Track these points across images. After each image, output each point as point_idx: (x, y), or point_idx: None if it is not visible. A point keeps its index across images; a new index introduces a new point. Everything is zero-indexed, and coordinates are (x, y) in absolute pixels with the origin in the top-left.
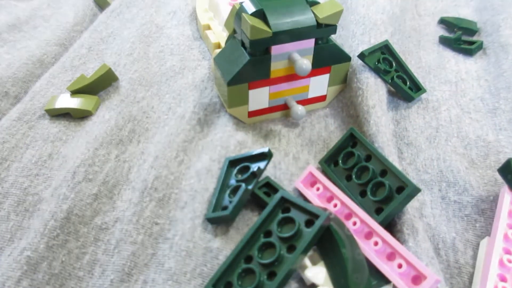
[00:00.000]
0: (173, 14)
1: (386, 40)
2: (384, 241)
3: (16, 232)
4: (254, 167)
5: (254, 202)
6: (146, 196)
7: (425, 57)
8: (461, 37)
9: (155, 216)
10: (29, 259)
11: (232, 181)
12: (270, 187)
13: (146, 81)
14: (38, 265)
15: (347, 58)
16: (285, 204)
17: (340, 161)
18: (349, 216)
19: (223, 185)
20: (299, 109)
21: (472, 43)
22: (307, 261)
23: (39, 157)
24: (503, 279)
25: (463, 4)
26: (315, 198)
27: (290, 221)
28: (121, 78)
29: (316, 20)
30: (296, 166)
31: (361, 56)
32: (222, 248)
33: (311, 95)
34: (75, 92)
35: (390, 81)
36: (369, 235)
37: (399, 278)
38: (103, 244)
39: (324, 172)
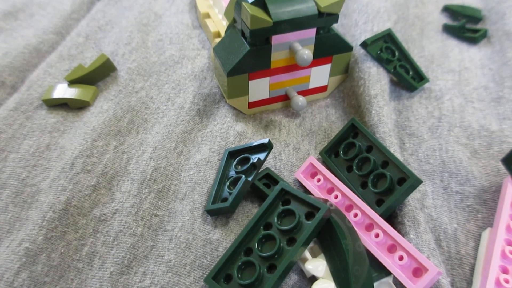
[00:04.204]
0: (172, 2)
1: (389, 29)
2: (385, 233)
3: (15, 223)
4: (254, 158)
5: (254, 193)
6: (145, 187)
7: (428, 46)
8: (465, 25)
9: (154, 207)
10: (27, 251)
11: (232, 173)
12: (270, 179)
13: (145, 71)
14: (37, 257)
15: (349, 48)
16: (285, 196)
17: (341, 152)
18: (349, 207)
19: (222, 176)
20: (300, 100)
21: (476, 31)
22: (307, 253)
23: (36, 148)
24: (504, 270)
25: None
26: (315, 189)
27: (290, 213)
28: (119, 68)
29: (318, 9)
30: (296, 157)
31: (364, 45)
32: (222, 240)
33: (312, 85)
34: (72, 82)
35: (392, 70)
36: (370, 227)
37: (400, 270)
38: (102, 236)
39: (324, 163)
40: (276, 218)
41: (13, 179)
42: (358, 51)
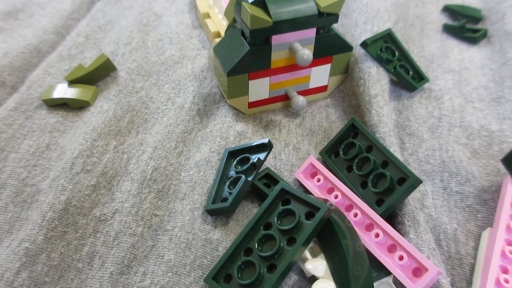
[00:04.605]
0: (172, 2)
1: (389, 29)
2: (385, 233)
3: (15, 223)
4: (254, 158)
5: (254, 193)
6: (145, 187)
7: (428, 46)
8: (465, 25)
9: (154, 207)
10: (27, 251)
11: (232, 173)
12: (270, 178)
13: (145, 70)
14: (37, 257)
15: (349, 48)
16: (285, 196)
17: (341, 152)
18: (349, 207)
19: (222, 176)
20: (300, 100)
21: (476, 31)
22: (307, 253)
23: (36, 148)
24: (504, 270)
25: None
26: (315, 189)
27: (290, 213)
28: (119, 68)
29: (318, 9)
30: (296, 157)
31: (364, 45)
32: (222, 239)
33: (312, 85)
34: (72, 82)
35: (392, 70)
36: (370, 226)
37: (400, 270)
38: (102, 235)
39: (324, 163)
40: (276, 218)
41: (13, 179)
42: (358, 51)
